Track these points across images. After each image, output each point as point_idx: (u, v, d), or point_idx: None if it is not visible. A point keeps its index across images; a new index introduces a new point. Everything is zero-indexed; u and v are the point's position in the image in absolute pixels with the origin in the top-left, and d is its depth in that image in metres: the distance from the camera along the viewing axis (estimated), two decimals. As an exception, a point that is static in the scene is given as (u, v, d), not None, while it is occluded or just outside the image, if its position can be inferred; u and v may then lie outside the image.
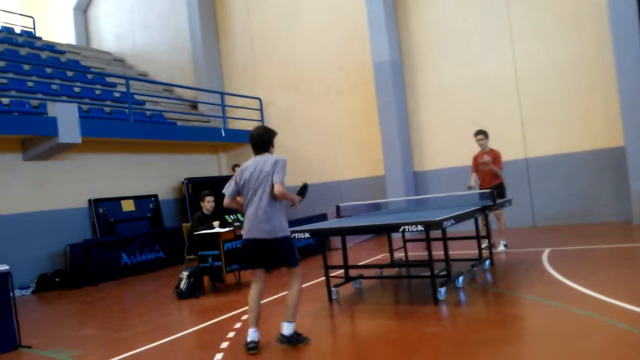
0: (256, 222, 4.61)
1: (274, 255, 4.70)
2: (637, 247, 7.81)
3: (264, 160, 4.65)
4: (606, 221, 10.37)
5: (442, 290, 5.64)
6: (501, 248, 8.47)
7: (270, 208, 4.58)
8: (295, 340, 4.60)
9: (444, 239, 5.86)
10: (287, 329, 4.60)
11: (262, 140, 4.75)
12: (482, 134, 8.62)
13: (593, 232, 9.52)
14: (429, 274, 5.63)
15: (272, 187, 4.55)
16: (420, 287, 6.49)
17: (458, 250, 8.08)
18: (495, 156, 8.45)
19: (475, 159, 8.69)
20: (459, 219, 5.79)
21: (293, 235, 5.51)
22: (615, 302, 4.83)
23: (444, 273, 5.94)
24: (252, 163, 4.72)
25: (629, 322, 4.26)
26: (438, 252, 6.25)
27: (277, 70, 14.92)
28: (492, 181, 8.36)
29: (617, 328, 4.18)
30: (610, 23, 9.82)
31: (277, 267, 4.91)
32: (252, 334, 4.61)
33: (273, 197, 4.58)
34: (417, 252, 8.64)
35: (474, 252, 7.30)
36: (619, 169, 10.15)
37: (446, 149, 12.11)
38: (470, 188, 8.33)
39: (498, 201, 7.15)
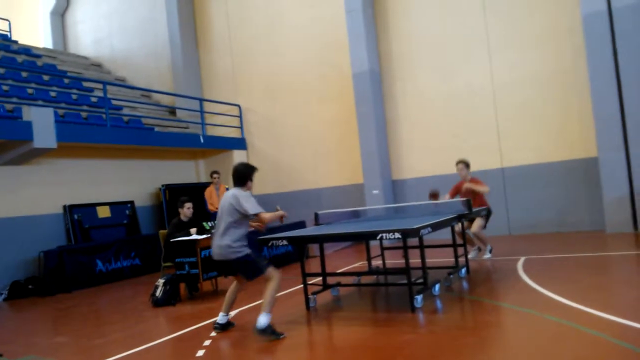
0: (215, 246, 5.25)
1: (237, 270, 5.32)
2: (609, 255, 7.96)
3: (231, 194, 5.21)
4: (580, 230, 10.57)
5: (419, 297, 5.69)
6: (487, 255, 8.55)
7: (226, 234, 5.13)
8: (268, 333, 4.93)
9: (421, 246, 5.90)
10: (260, 320, 4.94)
11: (239, 174, 5.30)
12: (462, 163, 8.52)
13: (567, 240, 9.69)
14: (405, 281, 5.67)
15: (231, 216, 5.10)
16: (397, 294, 6.53)
17: (435, 258, 8.14)
18: (471, 181, 8.44)
19: (457, 187, 8.59)
20: (436, 227, 5.84)
21: (271, 243, 6.05)
22: (588, 310, 4.92)
23: (420, 281, 5.98)
24: (227, 194, 5.29)
25: (603, 329, 4.33)
26: (415, 260, 6.30)
27: (257, 77, 14.92)
28: (476, 204, 8.30)
29: (590, 336, 4.25)
30: (584, 37, 10.04)
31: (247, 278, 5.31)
32: (219, 317, 5.52)
33: (231, 225, 5.11)
34: (394, 260, 8.69)
35: (451, 260, 7.35)
36: (593, 179, 10.36)
37: (424, 158, 12.23)
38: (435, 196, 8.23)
39: (474, 210, 7.23)
